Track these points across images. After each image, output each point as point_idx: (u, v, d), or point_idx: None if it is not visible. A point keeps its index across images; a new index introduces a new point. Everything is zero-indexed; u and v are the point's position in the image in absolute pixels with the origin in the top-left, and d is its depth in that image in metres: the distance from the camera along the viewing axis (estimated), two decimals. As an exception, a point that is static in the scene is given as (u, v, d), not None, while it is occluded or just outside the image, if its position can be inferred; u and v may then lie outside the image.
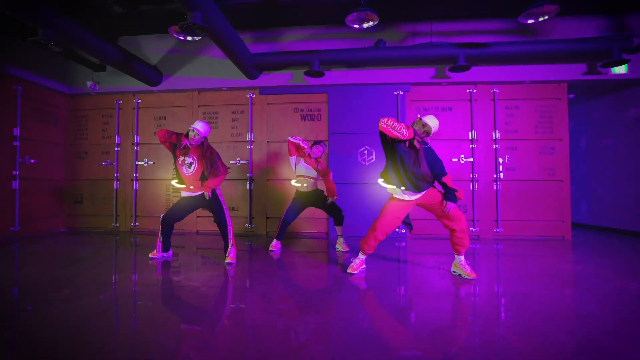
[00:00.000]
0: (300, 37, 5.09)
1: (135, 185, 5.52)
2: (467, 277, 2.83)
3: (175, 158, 3.28)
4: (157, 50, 5.34)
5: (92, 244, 4.59)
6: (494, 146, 5.05)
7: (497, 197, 5.03)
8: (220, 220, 3.35)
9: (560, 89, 4.99)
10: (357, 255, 3.09)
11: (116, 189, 5.55)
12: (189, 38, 3.89)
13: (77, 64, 5.38)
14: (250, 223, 5.31)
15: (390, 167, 2.75)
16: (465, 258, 3.26)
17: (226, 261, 3.35)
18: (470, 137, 5.07)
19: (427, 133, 2.70)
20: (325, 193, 3.99)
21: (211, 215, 5.29)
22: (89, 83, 5.29)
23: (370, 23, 3.48)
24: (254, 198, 5.32)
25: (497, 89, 5.04)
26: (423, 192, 2.79)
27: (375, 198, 5.06)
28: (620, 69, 4.67)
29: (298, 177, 3.95)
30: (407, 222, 3.01)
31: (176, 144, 3.21)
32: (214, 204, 3.35)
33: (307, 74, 4.72)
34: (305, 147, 3.84)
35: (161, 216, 3.44)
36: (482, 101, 5.08)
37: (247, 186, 5.33)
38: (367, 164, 5.14)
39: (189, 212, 3.46)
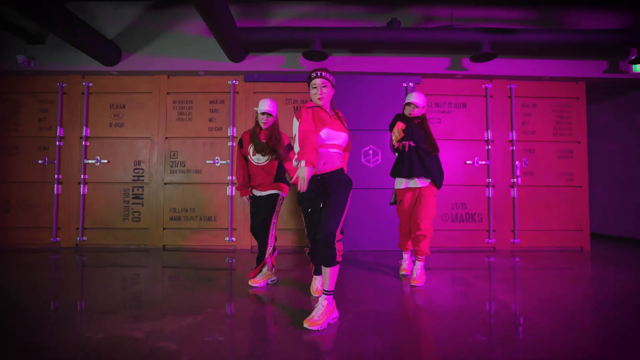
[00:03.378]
0: (296, 14, 4.27)
1: (83, 189, 4.38)
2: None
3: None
4: (114, 21, 4.27)
5: (25, 265, 3.45)
6: (511, 148, 4.54)
7: (515, 205, 4.51)
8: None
9: (579, 87, 4.59)
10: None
11: (57, 194, 4.36)
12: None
13: (6, 33, 4.17)
14: (231, 236, 4.37)
15: None
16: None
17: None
18: (486, 138, 4.52)
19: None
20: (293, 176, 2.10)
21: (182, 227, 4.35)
22: (19, 57, 4.10)
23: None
24: (235, 206, 4.40)
25: (514, 85, 4.55)
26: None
27: (381, 206, 4.34)
28: (642, 67, 4.34)
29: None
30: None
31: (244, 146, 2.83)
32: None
33: (306, 55, 3.92)
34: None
35: None
36: (498, 98, 4.56)
37: (228, 191, 4.39)
38: (371, 165, 4.41)
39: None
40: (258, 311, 2.29)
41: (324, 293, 1.98)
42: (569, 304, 2.43)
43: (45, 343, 1.73)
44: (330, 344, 1.77)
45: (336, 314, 2.04)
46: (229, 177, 4.38)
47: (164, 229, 4.39)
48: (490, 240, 4.47)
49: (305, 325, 1.88)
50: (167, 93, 4.45)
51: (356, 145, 4.37)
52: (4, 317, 2.11)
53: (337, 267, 1.98)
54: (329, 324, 1.95)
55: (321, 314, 1.92)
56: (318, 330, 1.87)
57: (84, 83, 4.42)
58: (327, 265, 1.94)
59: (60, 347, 1.69)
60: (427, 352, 1.74)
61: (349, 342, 1.77)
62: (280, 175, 2.82)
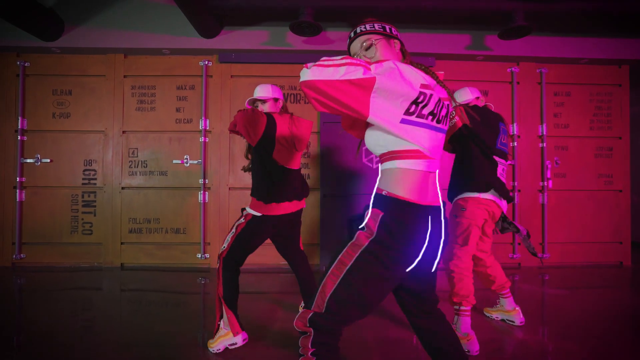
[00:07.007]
0: (282, -21, 3.45)
1: (19, 195, 3.55)
2: None
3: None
4: (55, -15, 3.43)
5: None
6: (541, 145, 3.80)
7: (544, 213, 3.78)
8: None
9: (622, 71, 3.85)
10: None
11: (-13, 202, 3.54)
12: None
13: None
14: (204, 252, 3.59)
15: None
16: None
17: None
18: (511, 133, 3.77)
19: None
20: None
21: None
22: None
23: None
24: (209, 215, 3.61)
25: (544, 69, 3.79)
26: None
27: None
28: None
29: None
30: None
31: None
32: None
33: (295, 29, 3.11)
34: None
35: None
36: (526, 84, 3.80)
37: (200, 198, 3.60)
38: (374, 165, 3.64)
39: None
40: None
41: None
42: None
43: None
44: None
45: None
46: (201, 181, 3.59)
47: (121, 243, 3.59)
48: (515, 256, 3.75)
49: None
50: (124, 76, 3.62)
51: (355, 141, 3.58)
52: None
53: None
54: None
55: None
56: None
57: (18, 63, 3.56)
58: None
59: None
60: None
61: None
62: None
